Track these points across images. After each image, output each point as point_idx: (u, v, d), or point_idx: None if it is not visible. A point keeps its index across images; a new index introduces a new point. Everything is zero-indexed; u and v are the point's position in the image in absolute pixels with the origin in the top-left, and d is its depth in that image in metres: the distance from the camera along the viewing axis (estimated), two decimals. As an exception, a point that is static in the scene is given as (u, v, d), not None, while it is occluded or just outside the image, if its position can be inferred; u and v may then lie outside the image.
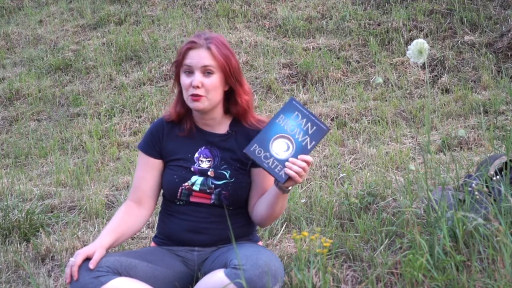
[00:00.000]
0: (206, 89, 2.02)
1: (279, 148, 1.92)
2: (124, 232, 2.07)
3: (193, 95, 2.02)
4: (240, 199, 2.09)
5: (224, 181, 2.06)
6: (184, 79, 2.04)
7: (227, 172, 2.07)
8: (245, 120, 2.13)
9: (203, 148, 2.12)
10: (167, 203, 2.15)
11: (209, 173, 2.07)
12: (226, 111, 2.15)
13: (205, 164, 2.09)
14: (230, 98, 2.12)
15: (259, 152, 1.92)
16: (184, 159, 2.10)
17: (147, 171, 2.14)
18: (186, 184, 2.07)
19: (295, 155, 1.90)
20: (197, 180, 2.07)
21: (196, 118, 2.14)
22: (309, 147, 1.92)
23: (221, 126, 2.15)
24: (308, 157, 1.90)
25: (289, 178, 1.89)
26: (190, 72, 2.04)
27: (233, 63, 2.06)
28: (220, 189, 2.05)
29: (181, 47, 2.09)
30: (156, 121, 2.21)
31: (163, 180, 2.13)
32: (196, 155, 2.11)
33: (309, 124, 1.94)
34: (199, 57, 2.02)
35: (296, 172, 1.87)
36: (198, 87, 2.01)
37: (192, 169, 2.08)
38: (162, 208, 2.18)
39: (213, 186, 2.06)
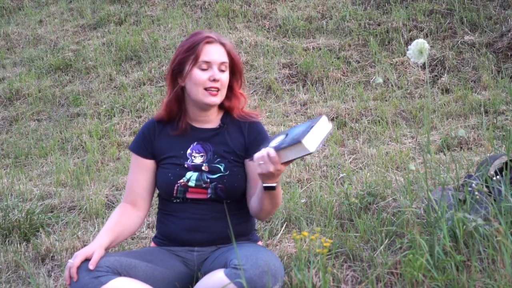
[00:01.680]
0: (221, 84, 2.06)
1: (275, 140, 1.89)
2: (121, 232, 2.07)
3: (212, 89, 2.04)
4: (236, 192, 2.09)
5: (219, 174, 2.07)
6: (199, 74, 2.04)
7: (221, 165, 2.08)
8: (236, 114, 2.16)
9: (195, 143, 2.12)
10: (163, 203, 2.15)
11: (203, 167, 2.07)
12: (219, 106, 2.17)
13: (198, 159, 2.09)
14: (226, 92, 2.14)
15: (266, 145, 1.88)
16: (176, 156, 2.11)
17: (140, 172, 2.14)
18: (181, 181, 2.07)
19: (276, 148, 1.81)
20: (192, 176, 2.07)
21: (191, 115, 2.14)
22: (277, 144, 1.82)
23: (213, 121, 2.16)
24: (270, 150, 1.80)
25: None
26: (207, 66, 2.05)
27: (241, 60, 2.14)
28: (216, 183, 2.06)
29: (192, 42, 2.06)
30: (147, 122, 2.22)
31: (157, 179, 2.13)
32: (188, 151, 2.11)
33: (302, 129, 1.81)
34: (218, 53, 2.06)
35: (259, 164, 1.81)
36: (218, 80, 2.04)
37: (185, 165, 2.08)
38: (159, 209, 2.18)
39: (208, 180, 2.06)
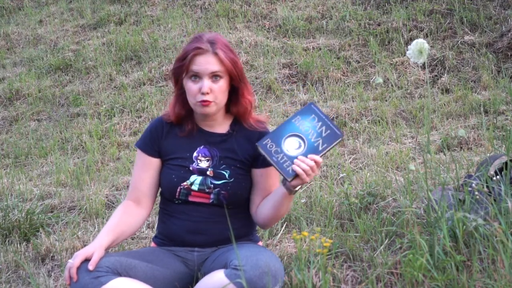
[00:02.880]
0: (215, 94, 2.02)
1: (291, 145, 1.94)
2: (123, 231, 2.06)
3: (202, 101, 2.01)
4: (239, 199, 2.09)
5: (224, 181, 2.06)
6: (191, 85, 2.03)
7: (226, 172, 2.07)
8: (245, 120, 2.13)
9: (202, 147, 2.11)
10: (165, 203, 2.15)
11: (208, 172, 2.07)
12: (227, 110, 2.15)
13: (204, 164, 2.09)
14: (232, 97, 2.11)
15: (271, 146, 1.94)
16: (182, 158, 2.10)
17: (145, 170, 2.13)
18: (184, 183, 2.06)
19: (305, 154, 1.92)
20: (196, 179, 2.06)
21: (197, 119, 2.14)
22: (320, 148, 1.93)
23: (222, 126, 2.14)
24: (317, 157, 1.90)
25: (297, 176, 1.89)
26: (197, 77, 2.02)
27: (239, 65, 2.07)
28: (219, 189, 2.05)
29: (184, 52, 2.05)
30: (155, 120, 2.20)
31: (161, 179, 2.13)
32: (195, 154, 2.10)
33: (323, 127, 1.97)
34: (207, 63, 2.01)
35: (303, 170, 1.87)
36: (208, 93, 2.01)
37: (190, 168, 2.08)
38: (161, 208, 2.18)
39: (212, 185, 2.06)
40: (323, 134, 1.95)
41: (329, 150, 1.95)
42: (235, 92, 2.10)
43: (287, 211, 2.05)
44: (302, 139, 1.95)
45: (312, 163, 1.89)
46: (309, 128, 1.96)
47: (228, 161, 2.09)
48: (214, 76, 2.02)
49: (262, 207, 2.07)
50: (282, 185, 1.97)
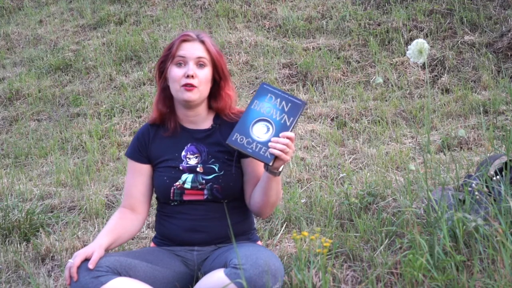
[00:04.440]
0: (199, 80, 2.06)
1: (260, 131, 1.94)
2: (121, 234, 2.07)
3: (186, 84, 2.04)
4: (233, 191, 2.09)
5: (214, 175, 2.07)
6: (176, 71, 2.07)
7: (215, 165, 2.08)
8: (225, 115, 2.16)
9: (189, 145, 2.13)
10: (162, 205, 2.16)
11: (198, 169, 2.08)
12: (209, 106, 2.18)
13: (192, 161, 2.10)
14: (213, 91, 2.15)
15: (241, 139, 1.94)
16: (171, 159, 2.12)
17: (137, 177, 2.15)
18: (177, 183, 2.08)
19: (276, 134, 1.93)
20: (187, 178, 2.08)
21: (180, 116, 2.16)
22: (288, 123, 1.94)
23: (205, 121, 2.17)
24: (289, 133, 1.91)
25: (276, 158, 1.90)
26: (182, 63, 2.07)
27: (223, 59, 2.14)
28: (212, 184, 2.06)
29: (171, 42, 2.13)
30: (142, 127, 2.23)
31: (154, 183, 2.15)
32: (183, 153, 2.12)
33: (283, 102, 1.97)
34: (194, 48, 2.07)
35: (280, 150, 1.89)
36: (192, 76, 2.04)
37: (180, 167, 2.09)
38: (158, 211, 2.19)
39: (204, 181, 2.07)
40: (286, 109, 1.95)
41: (297, 121, 1.96)
42: (216, 86, 2.14)
43: (279, 196, 2.05)
44: (268, 121, 1.95)
45: (286, 141, 1.90)
46: (270, 108, 1.97)
47: (216, 155, 2.10)
48: (200, 63, 2.07)
49: (254, 195, 2.08)
50: (265, 170, 1.97)
